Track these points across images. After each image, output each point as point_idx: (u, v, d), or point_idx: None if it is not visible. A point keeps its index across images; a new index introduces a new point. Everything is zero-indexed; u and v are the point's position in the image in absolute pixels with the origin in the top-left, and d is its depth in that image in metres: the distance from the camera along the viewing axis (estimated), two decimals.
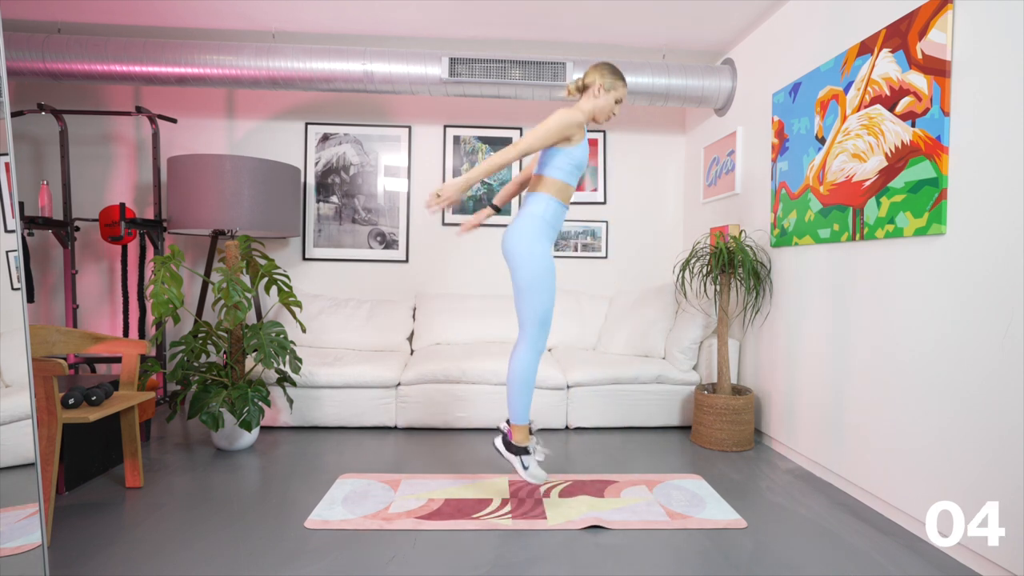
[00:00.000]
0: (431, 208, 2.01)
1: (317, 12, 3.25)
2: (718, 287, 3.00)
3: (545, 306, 2.07)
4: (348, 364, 3.18)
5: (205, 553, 1.80)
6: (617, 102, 2.15)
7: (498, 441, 2.18)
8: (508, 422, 2.21)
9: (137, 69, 3.20)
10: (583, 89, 2.14)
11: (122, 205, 3.24)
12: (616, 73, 2.13)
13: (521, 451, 2.13)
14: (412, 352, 3.71)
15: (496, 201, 2.36)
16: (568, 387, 3.19)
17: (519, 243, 2.06)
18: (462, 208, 4.09)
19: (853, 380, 2.32)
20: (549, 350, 3.73)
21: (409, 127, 4.07)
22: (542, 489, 2.31)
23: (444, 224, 4.11)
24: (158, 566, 1.72)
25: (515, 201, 4.12)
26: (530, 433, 2.19)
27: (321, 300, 3.81)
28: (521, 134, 4.10)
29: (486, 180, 4.09)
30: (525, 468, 2.12)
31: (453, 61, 3.27)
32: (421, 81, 3.31)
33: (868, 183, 2.22)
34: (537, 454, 2.18)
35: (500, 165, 1.98)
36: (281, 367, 2.90)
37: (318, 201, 4.03)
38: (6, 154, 1.40)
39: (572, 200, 4.12)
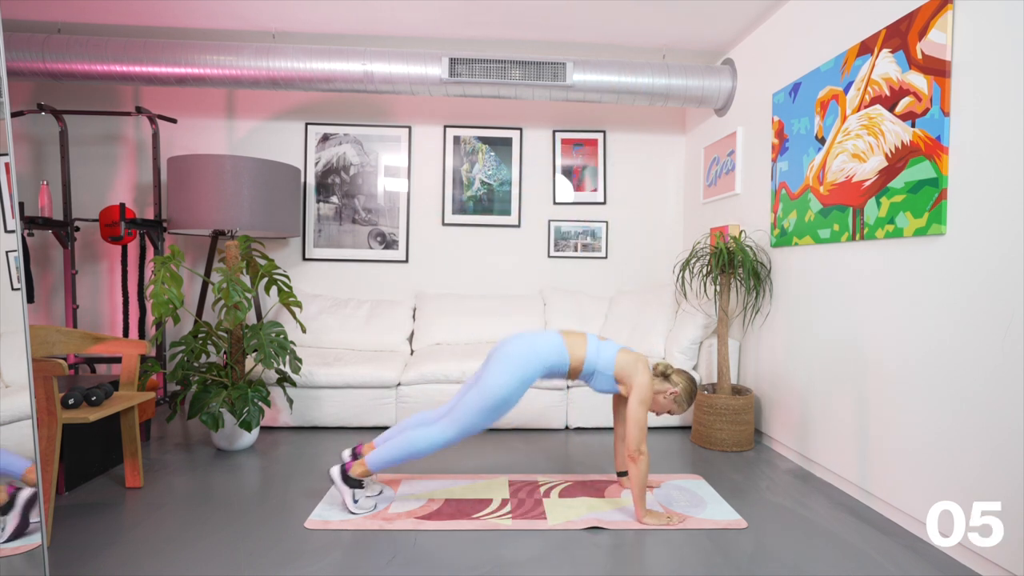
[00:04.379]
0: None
1: (317, 12, 3.25)
2: (718, 287, 3.00)
3: (490, 419, 2.04)
4: (348, 364, 3.18)
5: (205, 553, 1.80)
6: (668, 412, 2.20)
7: (335, 471, 2.11)
8: (352, 453, 2.24)
9: (137, 69, 3.20)
10: (666, 378, 2.17)
11: (122, 205, 3.24)
12: (693, 398, 2.19)
13: (356, 484, 2.10)
14: (412, 352, 3.71)
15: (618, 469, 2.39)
16: (568, 387, 3.19)
17: (525, 357, 2.04)
18: (462, 208, 4.09)
19: (853, 380, 2.32)
20: None
21: (409, 127, 4.07)
22: (542, 489, 2.31)
23: (444, 224, 4.11)
24: (158, 566, 1.72)
25: (514, 205, 4.12)
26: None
27: (321, 300, 3.81)
28: (521, 134, 4.10)
29: (486, 181, 4.10)
30: (355, 502, 2.08)
31: (453, 61, 3.27)
32: (421, 81, 3.31)
33: (868, 183, 2.22)
34: (369, 489, 2.21)
35: (645, 472, 2.02)
36: (281, 367, 2.90)
37: (318, 201, 4.03)
38: (6, 154, 1.40)
39: (572, 200, 4.15)
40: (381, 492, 2.27)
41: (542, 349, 2.07)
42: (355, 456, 2.24)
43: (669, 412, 2.20)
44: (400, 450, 2.05)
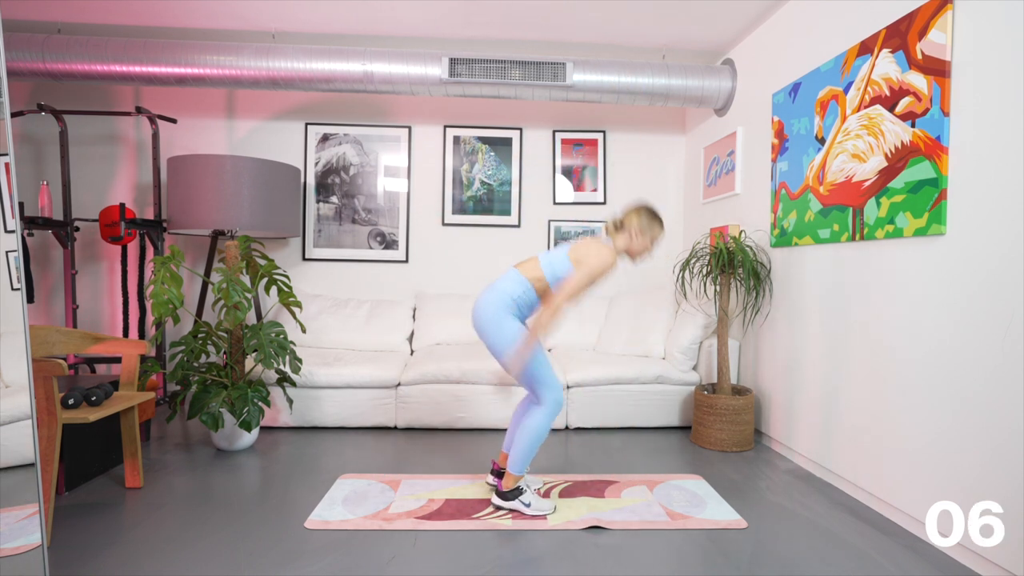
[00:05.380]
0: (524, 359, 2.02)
1: (317, 12, 3.26)
2: (718, 287, 3.00)
3: (538, 362, 2.05)
4: (348, 364, 3.18)
5: (205, 553, 1.80)
6: (652, 241, 2.16)
7: (494, 498, 2.14)
8: (493, 472, 2.27)
9: (137, 69, 3.20)
10: (620, 227, 2.15)
11: (122, 205, 3.24)
12: (653, 216, 2.15)
13: (516, 493, 2.11)
14: (412, 352, 3.71)
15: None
16: (568, 387, 3.19)
17: (487, 314, 2.07)
18: (462, 208, 4.09)
19: (853, 380, 2.32)
20: (549, 350, 3.73)
21: (409, 127, 4.07)
22: (542, 489, 2.31)
23: (444, 224, 4.11)
24: (158, 566, 1.72)
25: (517, 207, 4.12)
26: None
27: (321, 300, 3.81)
28: (521, 134, 4.10)
29: (485, 181, 4.10)
30: (527, 505, 2.09)
31: (453, 61, 3.27)
32: (421, 81, 3.31)
33: (868, 183, 2.22)
34: (532, 485, 2.21)
35: (557, 316, 2.01)
36: (281, 367, 2.90)
37: (318, 201, 4.03)
38: (6, 154, 1.40)
39: (572, 200, 4.15)
40: (542, 485, 2.33)
41: (501, 290, 2.09)
42: (497, 474, 2.26)
43: (652, 241, 2.14)
44: (528, 441, 2.07)
